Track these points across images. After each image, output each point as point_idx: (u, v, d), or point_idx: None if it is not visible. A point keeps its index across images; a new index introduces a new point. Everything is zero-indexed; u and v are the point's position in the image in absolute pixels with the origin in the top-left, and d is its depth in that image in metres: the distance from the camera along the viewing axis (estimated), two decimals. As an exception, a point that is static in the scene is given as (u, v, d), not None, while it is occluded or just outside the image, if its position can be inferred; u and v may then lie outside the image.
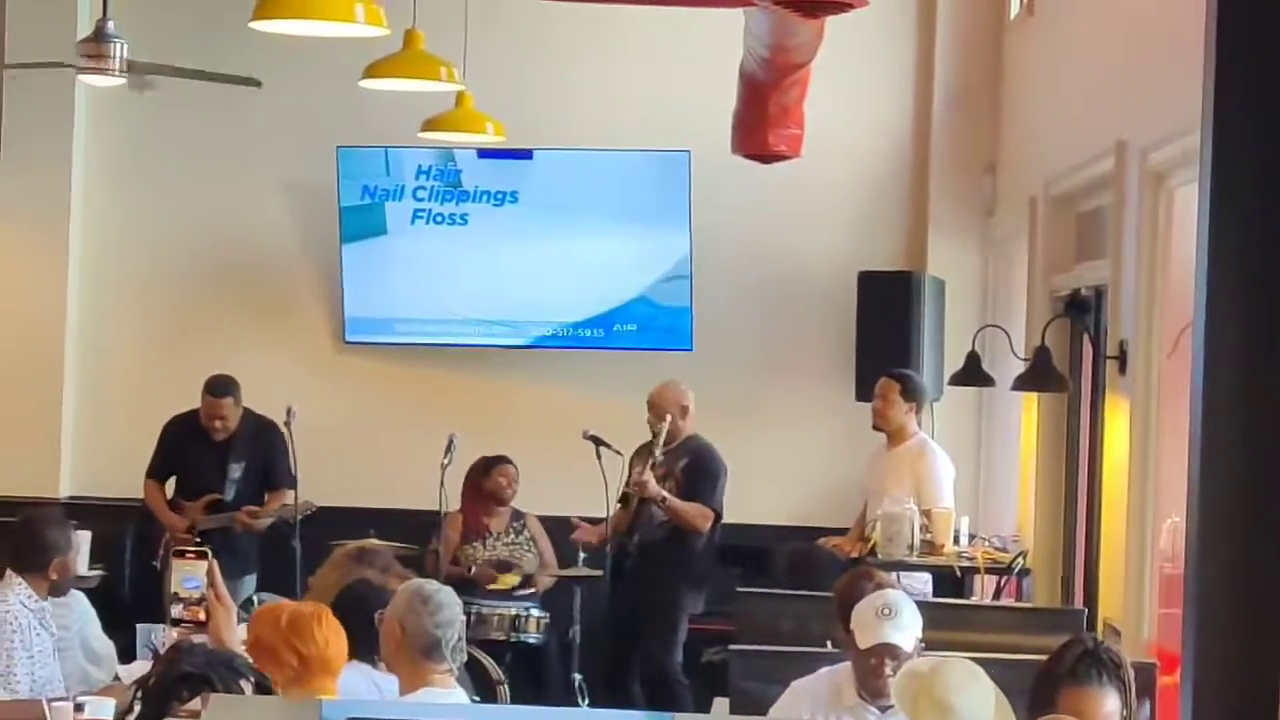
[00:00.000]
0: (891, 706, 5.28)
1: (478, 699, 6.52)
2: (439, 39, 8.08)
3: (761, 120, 9.11)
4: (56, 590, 6.79)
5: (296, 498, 9.64)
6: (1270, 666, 4.11)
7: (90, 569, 9.61)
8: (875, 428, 9.27)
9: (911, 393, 9.17)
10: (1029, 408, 9.50)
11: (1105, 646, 4.92)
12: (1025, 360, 8.71)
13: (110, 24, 8.87)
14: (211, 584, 4.56)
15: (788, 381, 10.93)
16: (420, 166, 10.89)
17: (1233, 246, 5.37)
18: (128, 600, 10.15)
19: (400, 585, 5.66)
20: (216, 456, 9.85)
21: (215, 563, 4.59)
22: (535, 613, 9.78)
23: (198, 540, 8.03)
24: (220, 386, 9.81)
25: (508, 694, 8.71)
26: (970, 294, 10.59)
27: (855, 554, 8.78)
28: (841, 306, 10.44)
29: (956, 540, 8.92)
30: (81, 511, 9.05)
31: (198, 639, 4.62)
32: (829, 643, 6.33)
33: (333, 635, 5.07)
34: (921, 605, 5.82)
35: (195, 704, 4.05)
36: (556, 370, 11.01)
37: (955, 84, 10.77)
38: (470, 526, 10.03)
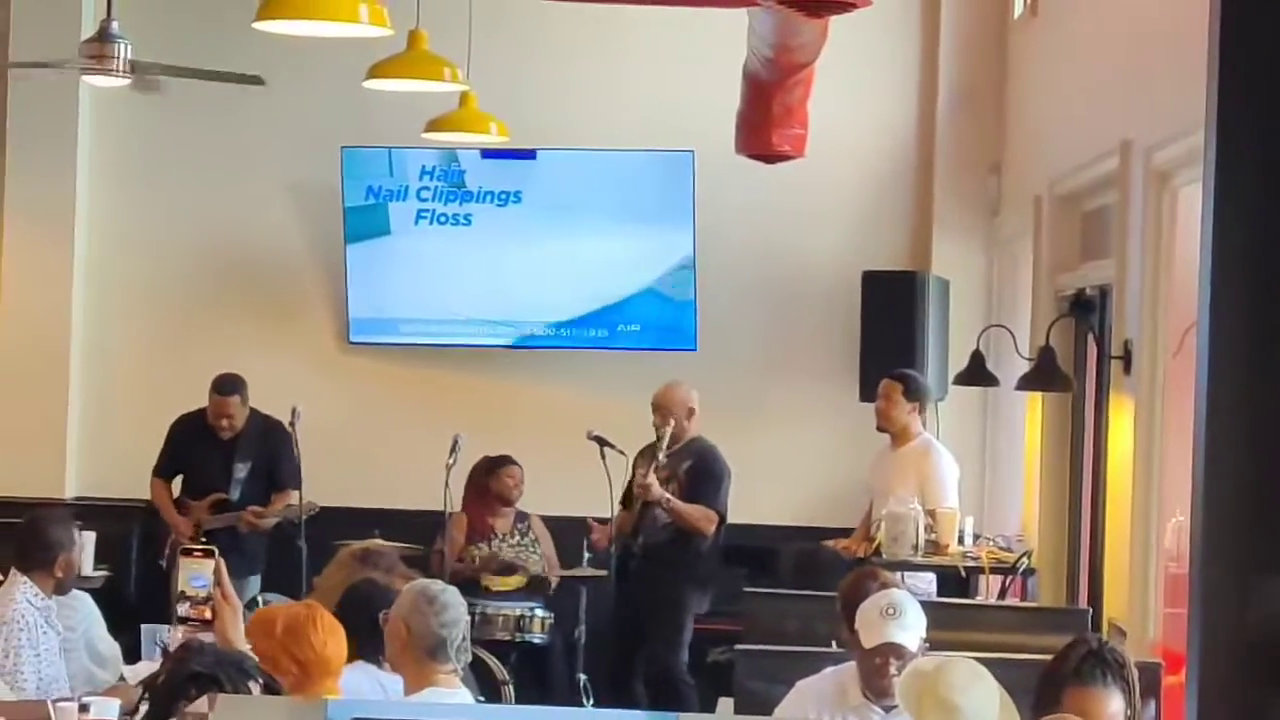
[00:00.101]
0: (896, 706, 5.28)
1: (482, 699, 6.52)
2: (442, 39, 8.08)
3: (765, 120, 9.11)
4: (61, 588, 6.80)
5: (301, 498, 9.64)
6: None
7: (95, 569, 9.62)
8: (879, 429, 9.26)
9: (914, 393, 9.16)
10: (1033, 407, 9.50)
11: (1110, 646, 4.91)
12: (1030, 360, 8.70)
13: (114, 25, 8.87)
14: (218, 582, 4.56)
15: (792, 381, 10.93)
16: (424, 167, 10.89)
17: (1237, 246, 5.37)
18: (133, 601, 10.17)
19: (405, 585, 5.66)
20: (223, 456, 9.86)
21: (222, 561, 4.59)
22: (540, 613, 9.78)
23: (204, 539, 8.04)
24: (228, 385, 9.82)
25: (512, 694, 8.73)
26: (975, 294, 10.59)
27: (861, 554, 8.78)
28: (846, 306, 10.44)
29: (961, 540, 8.91)
30: (87, 512, 9.06)
31: (204, 638, 4.62)
32: (834, 643, 6.32)
33: (330, 636, 5.07)
34: (926, 605, 5.82)
35: (200, 705, 4.05)
36: (560, 370, 11.01)
37: (959, 84, 10.77)
38: (475, 527, 10.03)
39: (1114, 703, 4.81)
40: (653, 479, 9.59)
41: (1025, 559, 8.79)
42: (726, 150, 9.52)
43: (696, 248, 10.62)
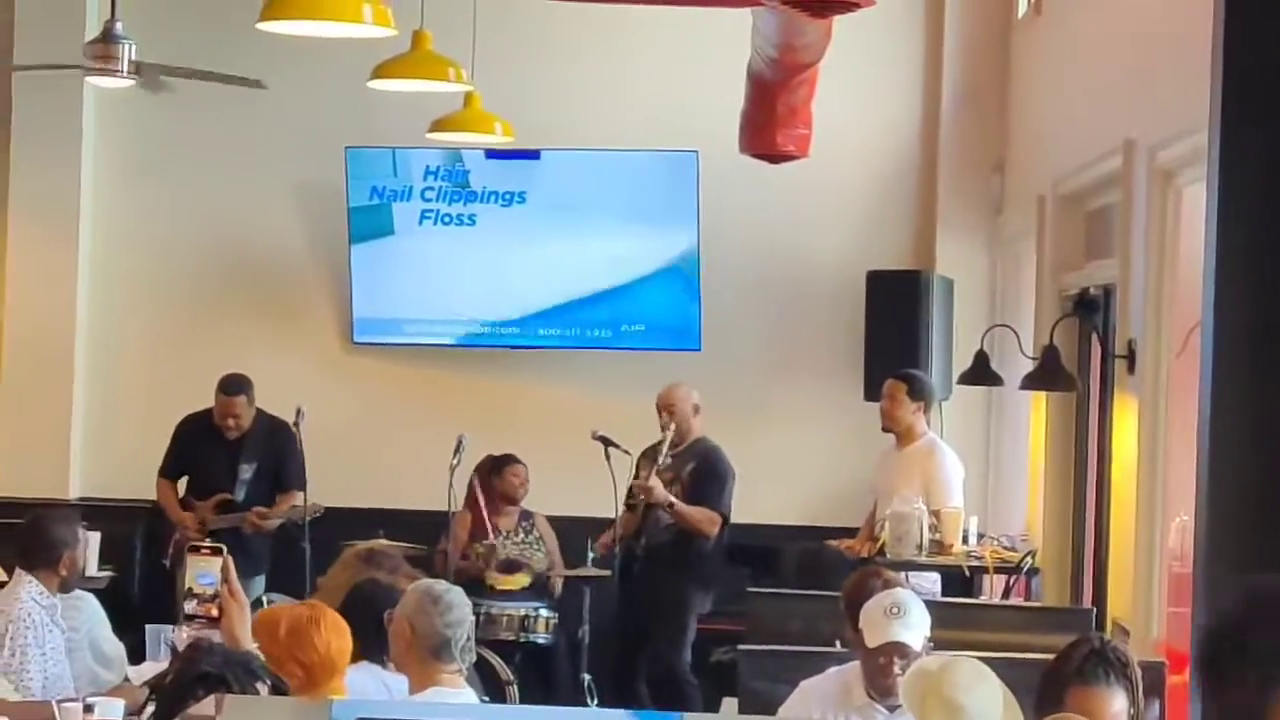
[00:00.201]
0: (900, 706, 5.28)
1: (487, 699, 6.53)
2: (447, 39, 8.08)
3: (769, 120, 9.11)
4: (66, 586, 6.81)
5: (306, 499, 9.65)
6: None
7: (100, 570, 9.63)
8: (884, 429, 9.27)
9: (918, 393, 9.17)
10: (1038, 407, 9.50)
11: (1113, 645, 4.91)
12: (1034, 359, 8.70)
13: (118, 25, 8.87)
14: (226, 580, 4.56)
15: (796, 381, 10.93)
16: (428, 167, 10.90)
17: (1240, 245, 5.37)
18: (137, 601, 10.17)
19: (410, 585, 5.67)
20: (228, 456, 9.86)
21: (230, 559, 4.59)
22: (544, 613, 9.78)
23: (210, 539, 8.04)
24: (234, 385, 9.83)
25: (517, 694, 8.73)
26: (979, 293, 10.59)
27: (865, 554, 8.78)
28: (850, 306, 10.44)
29: (965, 540, 8.92)
30: (91, 513, 9.06)
31: (210, 635, 4.62)
32: (838, 642, 6.32)
33: (333, 636, 5.08)
34: (930, 605, 5.82)
35: (203, 706, 4.05)
36: (564, 370, 11.02)
37: (963, 83, 10.77)
38: (480, 526, 10.03)
39: (1117, 702, 4.81)
40: (655, 481, 9.59)
41: (1029, 558, 8.80)
42: (731, 150, 9.53)
43: (701, 248, 10.63)
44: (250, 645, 4.59)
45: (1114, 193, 8.11)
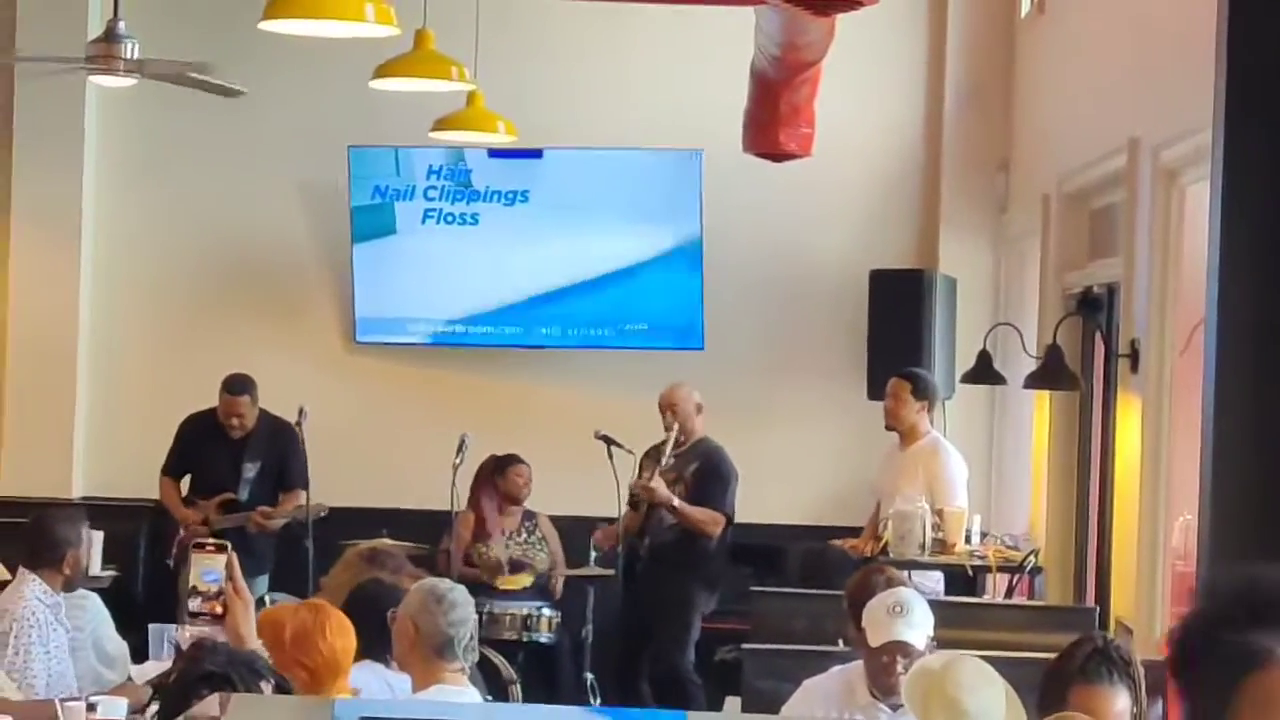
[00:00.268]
0: (903, 705, 5.28)
1: (490, 698, 6.52)
2: (449, 39, 8.08)
3: (773, 119, 9.11)
4: (69, 585, 6.82)
5: (308, 499, 9.65)
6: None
7: (103, 569, 9.63)
8: (888, 428, 9.26)
9: (922, 392, 9.16)
10: (1041, 406, 9.49)
11: (1115, 644, 4.91)
12: (1037, 358, 8.70)
13: (121, 24, 8.87)
14: (230, 577, 4.56)
15: (799, 380, 10.93)
16: (431, 166, 10.90)
17: (1245, 244, 5.37)
18: (141, 600, 10.17)
19: (413, 584, 5.67)
20: (232, 455, 9.87)
21: (235, 556, 4.59)
22: (547, 612, 9.78)
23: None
24: (238, 384, 9.83)
25: (520, 693, 8.72)
26: (982, 292, 10.59)
27: (868, 553, 8.78)
28: (853, 305, 10.44)
29: (968, 539, 8.91)
30: (94, 512, 9.04)
31: (214, 632, 4.62)
32: (841, 641, 6.32)
33: (338, 638, 5.08)
34: (933, 604, 5.82)
35: (206, 705, 4.05)
36: (567, 370, 11.02)
37: (967, 82, 10.77)
38: (483, 526, 10.03)
39: (1120, 701, 4.81)
40: (658, 482, 9.59)
41: (1032, 557, 8.79)
42: (734, 149, 9.52)
43: (704, 247, 10.62)
44: (255, 643, 4.59)
45: (1118, 191, 8.10)
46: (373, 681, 5.51)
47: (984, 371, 9.32)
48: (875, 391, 9.69)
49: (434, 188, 10.91)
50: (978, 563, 8.74)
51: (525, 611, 9.71)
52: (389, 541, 8.59)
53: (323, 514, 9.64)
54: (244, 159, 11.08)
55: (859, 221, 10.94)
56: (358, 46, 7.64)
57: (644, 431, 9.82)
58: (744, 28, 8.57)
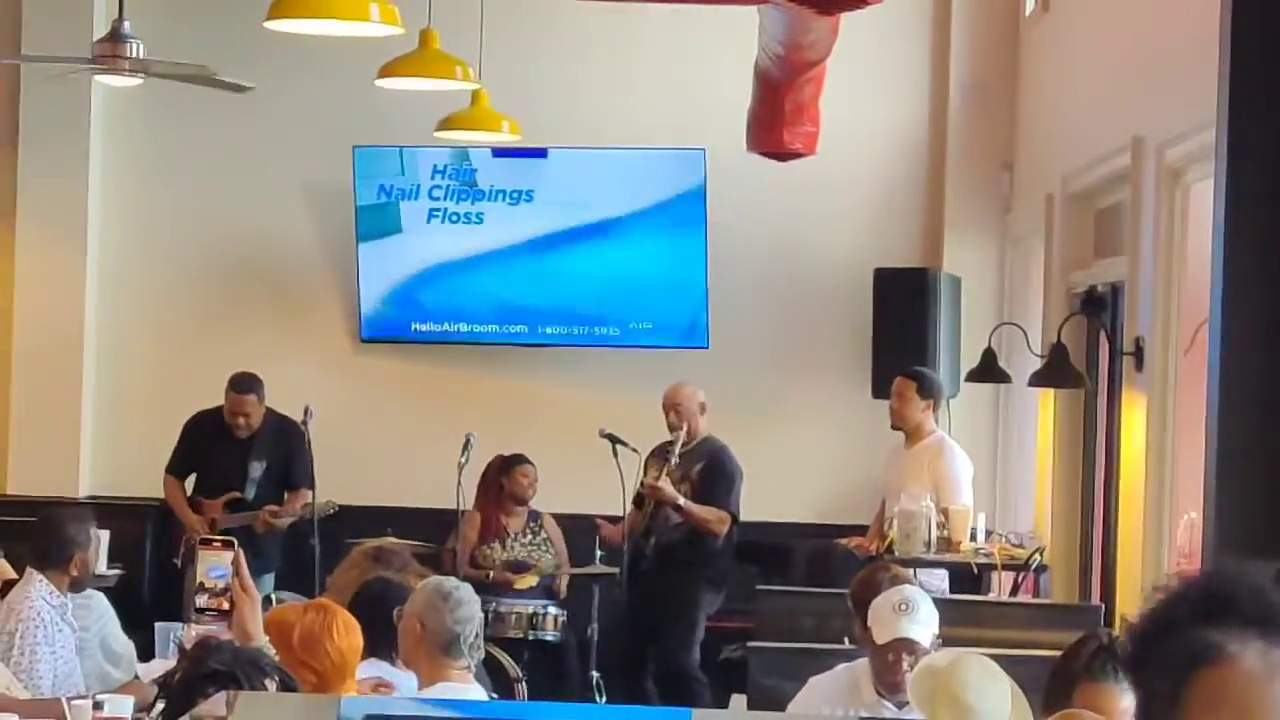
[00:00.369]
0: (909, 702, 5.28)
1: (495, 696, 6.53)
2: (454, 38, 8.09)
3: (777, 118, 9.10)
4: (76, 586, 6.82)
5: (314, 497, 9.66)
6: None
7: (109, 568, 9.64)
8: (894, 427, 9.26)
9: (928, 391, 9.16)
10: (1046, 404, 9.50)
11: (1121, 642, 4.91)
12: (1042, 357, 8.70)
13: (126, 24, 8.88)
14: (237, 574, 4.56)
15: (804, 379, 10.93)
16: (435, 166, 10.90)
17: (1249, 242, 5.38)
18: (147, 599, 10.18)
19: (419, 582, 5.67)
20: (238, 454, 9.87)
21: (241, 552, 4.59)
22: (553, 610, 9.79)
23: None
24: (244, 383, 9.85)
25: (526, 691, 8.73)
26: (987, 291, 10.59)
27: (874, 552, 8.78)
28: (858, 304, 10.44)
29: (973, 537, 8.91)
30: (100, 511, 9.03)
31: (221, 629, 4.62)
32: (846, 639, 6.33)
33: (345, 639, 5.08)
34: (939, 602, 5.82)
35: (212, 705, 4.05)
36: (572, 368, 11.02)
37: (971, 81, 10.76)
38: (488, 527, 10.04)
39: (1125, 699, 4.80)
40: (664, 481, 9.59)
41: (1037, 555, 8.79)
42: (738, 148, 9.52)
43: (708, 245, 10.63)
44: (262, 639, 4.59)
45: (1122, 190, 8.11)
46: (375, 678, 5.51)
47: (989, 370, 9.32)
48: (880, 390, 9.69)
49: (439, 187, 10.92)
50: (983, 561, 8.74)
51: (531, 610, 9.72)
52: (394, 540, 8.59)
53: (333, 511, 9.65)
54: (249, 159, 11.09)
55: (863, 220, 10.94)
56: (363, 46, 7.66)
57: (649, 430, 9.82)
58: (748, 27, 8.57)
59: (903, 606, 5.54)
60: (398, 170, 10.90)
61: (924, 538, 8.59)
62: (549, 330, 10.95)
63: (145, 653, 7.04)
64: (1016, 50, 10.67)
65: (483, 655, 5.58)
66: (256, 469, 9.85)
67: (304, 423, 9.68)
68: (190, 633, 5.54)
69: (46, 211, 10.90)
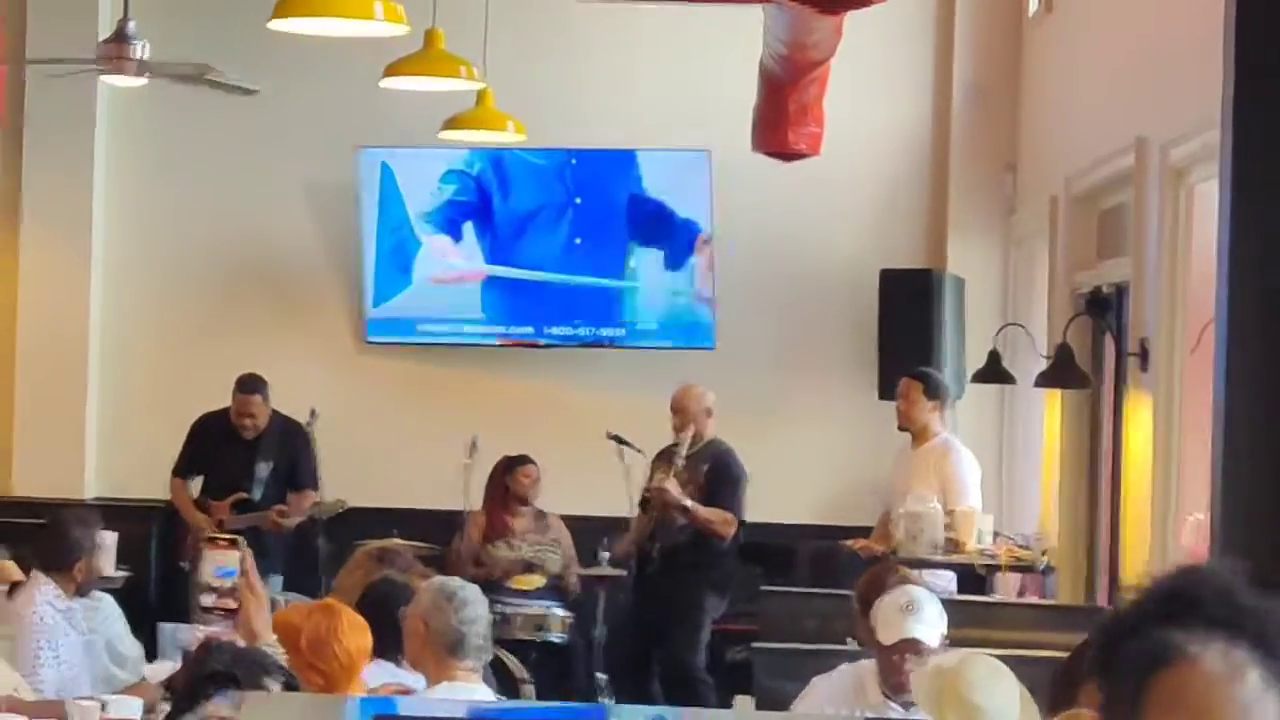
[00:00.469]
0: (915, 703, 5.27)
1: (502, 698, 6.53)
2: (459, 38, 8.09)
3: (781, 118, 9.10)
4: (82, 590, 6.82)
5: (321, 498, 9.66)
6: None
7: (116, 570, 9.63)
8: (900, 428, 9.26)
9: (934, 392, 9.16)
10: (1051, 405, 9.49)
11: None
12: (1047, 358, 8.70)
13: (131, 24, 8.89)
14: (244, 572, 4.56)
15: (809, 380, 10.93)
16: (440, 166, 10.90)
17: (1253, 242, 5.37)
18: (153, 601, 10.17)
19: (424, 583, 5.67)
20: (244, 456, 9.87)
21: (249, 551, 4.59)
22: (559, 612, 9.79)
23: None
24: (250, 384, 9.85)
25: (532, 692, 8.72)
26: (991, 292, 10.58)
27: (880, 553, 8.78)
28: (863, 305, 10.43)
29: (979, 538, 8.91)
30: (107, 512, 9.03)
31: (228, 628, 4.62)
32: (850, 640, 6.32)
33: (352, 641, 5.08)
34: (945, 603, 5.81)
35: (218, 705, 4.05)
36: (578, 369, 11.02)
37: (974, 82, 10.76)
38: (494, 527, 10.04)
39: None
40: (671, 484, 9.57)
41: (1043, 557, 8.79)
42: (743, 149, 9.51)
43: (713, 246, 10.63)
44: (270, 638, 4.59)
45: (1126, 191, 8.10)
46: (385, 680, 5.51)
47: (994, 371, 9.32)
48: (885, 391, 9.69)
49: (443, 187, 10.92)
50: (989, 562, 8.74)
51: (538, 611, 9.72)
52: (398, 541, 8.60)
53: (342, 509, 9.65)
54: (255, 159, 11.09)
55: (868, 221, 10.94)
56: (367, 46, 7.66)
57: (655, 431, 9.82)
58: (752, 27, 8.57)
59: (909, 606, 5.53)
60: (403, 170, 10.89)
61: (931, 539, 8.59)
62: (554, 331, 10.95)
63: (149, 654, 7.04)
64: (1020, 51, 10.67)
65: (490, 656, 5.57)
66: (263, 470, 9.86)
67: (309, 424, 9.68)
68: (197, 633, 5.54)
69: (51, 211, 10.91)
